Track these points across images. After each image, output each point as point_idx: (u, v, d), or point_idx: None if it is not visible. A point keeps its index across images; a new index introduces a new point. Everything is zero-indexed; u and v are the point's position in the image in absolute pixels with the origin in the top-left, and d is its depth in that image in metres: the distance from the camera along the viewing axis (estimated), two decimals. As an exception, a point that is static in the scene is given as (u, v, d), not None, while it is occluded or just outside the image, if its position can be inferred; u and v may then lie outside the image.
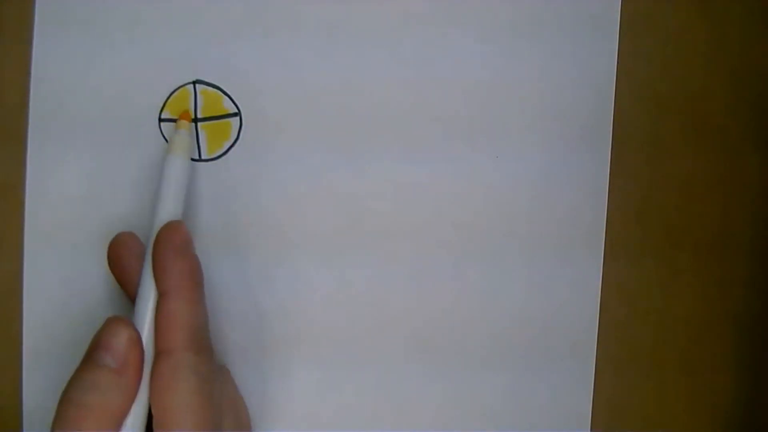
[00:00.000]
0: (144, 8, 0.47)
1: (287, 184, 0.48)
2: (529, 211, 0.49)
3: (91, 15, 0.47)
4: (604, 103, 0.48)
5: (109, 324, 0.39)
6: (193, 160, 0.48)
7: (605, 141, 0.49)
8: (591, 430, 0.50)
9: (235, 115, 0.48)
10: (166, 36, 0.47)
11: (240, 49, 0.48)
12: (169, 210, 0.43)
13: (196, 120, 0.48)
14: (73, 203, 0.48)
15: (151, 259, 0.41)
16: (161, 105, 0.48)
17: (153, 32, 0.47)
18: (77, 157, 0.48)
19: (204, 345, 0.41)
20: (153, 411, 0.38)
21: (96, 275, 0.48)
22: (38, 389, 0.48)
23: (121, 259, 0.43)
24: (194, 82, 0.48)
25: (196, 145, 0.48)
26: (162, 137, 0.48)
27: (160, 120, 0.48)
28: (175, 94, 0.48)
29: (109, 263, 0.44)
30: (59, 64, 0.47)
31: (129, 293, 0.43)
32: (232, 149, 0.48)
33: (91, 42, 0.47)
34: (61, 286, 0.48)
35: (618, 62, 0.48)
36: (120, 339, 0.39)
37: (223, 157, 0.48)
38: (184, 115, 0.46)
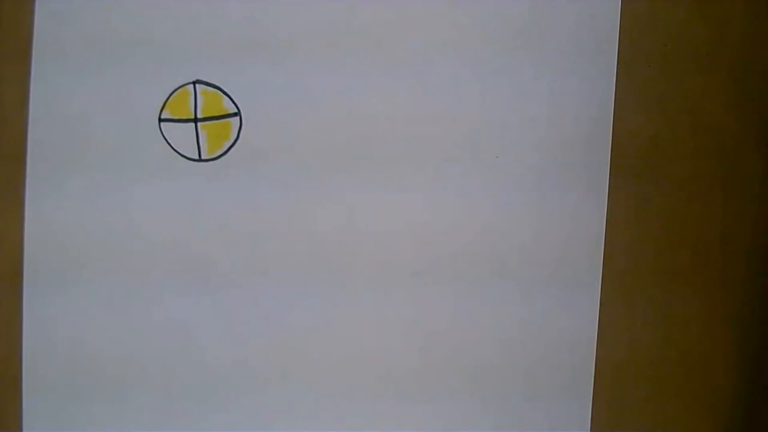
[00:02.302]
0: (145, 10, 0.47)
1: (287, 184, 0.48)
2: (529, 211, 0.49)
3: (92, 16, 0.47)
4: (604, 104, 0.48)
5: None
6: (193, 160, 0.48)
7: (605, 141, 0.49)
8: (591, 430, 0.50)
9: (235, 115, 0.48)
10: (167, 36, 0.47)
11: (240, 49, 0.48)
12: None
13: (196, 120, 0.48)
14: (74, 203, 0.48)
15: None
16: (161, 105, 0.48)
17: (154, 33, 0.47)
18: (77, 156, 0.48)
19: None
20: None
21: (96, 275, 0.48)
22: (38, 389, 0.48)
23: None
24: (194, 82, 0.48)
25: (196, 145, 0.48)
26: (162, 137, 0.48)
27: (160, 120, 0.48)
28: (175, 94, 0.48)
29: None
30: (59, 65, 0.47)
31: None
32: (232, 149, 0.48)
33: (92, 43, 0.47)
34: (61, 286, 0.48)
35: (618, 62, 0.48)
36: None
37: (223, 157, 0.48)
38: None
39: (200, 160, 0.48)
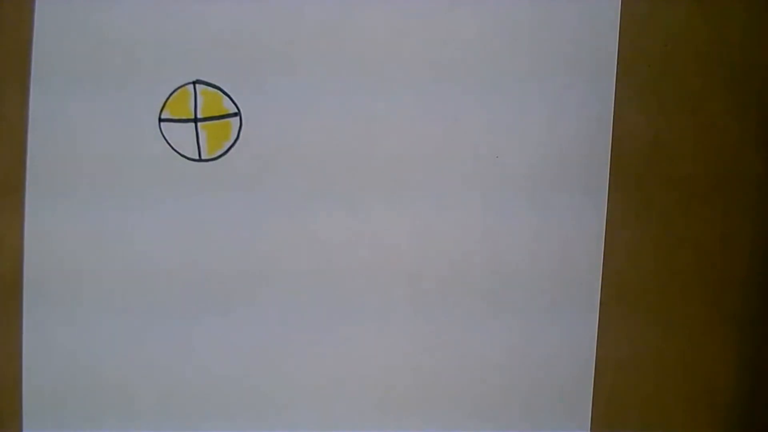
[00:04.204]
0: (145, 10, 0.47)
1: (286, 185, 0.48)
2: (529, 211, 0.49)
3: (92, 17, 0.47)
4: (604, 104, 0.48)
5: None
6: (193, 160, 0.48)
7: (605, 141, 0.49)
8: (591, 430, 0.50)
9: (235, 115, 0.48)
10: (167, 36, 0.47)
11: (240, 49, 0.48)
12: None
13: (196, 120, 0.48)
14: (73, 203, 0.48)
15: None
16: (161, 105, 0.48)
17: (154, 33, 0.47)
18: (77, 157, 0.48)
19: None
20: None
21: (95, 274, 0.48)
22: (38, 389, 0.48)
23: None
24: (194, 82, 0.48)
25: (197, 145, 0.48)
26: (162, 137, 0.48)
27: (160, 120, 0.48)
28: (175, 94, 0.48)
29: None
30: (59, 66, 0.47)
31: None
32: (232, 149, 0.48)
33: (92, 43, 0.47)
34: (61, 285, 0.48)
35: (618, 62, 0.48)
36: None
37: (223, 157, 0.48)
38: None
39: (200, 160, 0.48)
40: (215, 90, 0.48)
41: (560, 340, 0.49)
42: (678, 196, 0.49)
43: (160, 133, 0.48)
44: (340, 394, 0.49)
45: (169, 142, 0.48)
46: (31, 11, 0.47)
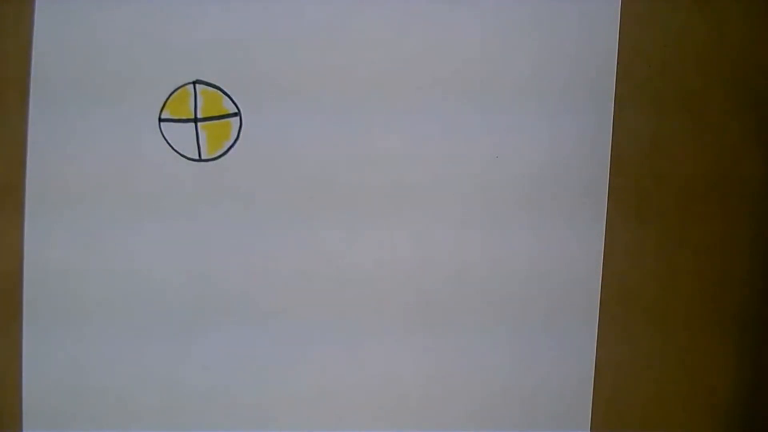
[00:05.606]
0: (145, 9, 0.47)
1: (286, 185, 0.48)
2: (529, 212, 0.49)
3: (92, 17, 0.47)
4: (604, 104, 0.48)
5: None
6: (193, 160, 0.48)
7: (605, 141, 0.49)
8: (591, 430, 0.50)
9: (235, 115, 0.48)
10: (167, 36, 0.47)
11: (241, 49, 0.48)
12: None
13: (196, 120, 0.48)
14: (73, 203, 0.48)
15: None
16: (161, 105, 0.48)
17: (154, 33, 0.47)
18: (77, 156, 0.48)
19: None
20: None
21: (95, 274, 0.48)
22: (38, 389, 0.48)
23: None
24: (194, 82, 0.48)
25: (197, 145, 0.48)
26: (162, 137, 0.48)
27: (160, 120, 0.48)
28: (175, 94, 0.48)
29: None
30: (59, 66, 0.47)
31: None
32: (232, 149, 0.48)
33: (92, 42, 0.47)
34: (61, 287, 0.48)
35: (618, 62, 0.48)
36: None
37: (223, 157, 0.48)
38: None
39: (200, 160, 0.48)
40: (215, 90, 0.48)
41: (560, 340, 0.49)
42: (678, 196, 0.49)
43: (160, 133, 0.48)
44: (340, 401, 0.49)
45: (169, 142, 0.48)
46: (31, 12, 0.47)
